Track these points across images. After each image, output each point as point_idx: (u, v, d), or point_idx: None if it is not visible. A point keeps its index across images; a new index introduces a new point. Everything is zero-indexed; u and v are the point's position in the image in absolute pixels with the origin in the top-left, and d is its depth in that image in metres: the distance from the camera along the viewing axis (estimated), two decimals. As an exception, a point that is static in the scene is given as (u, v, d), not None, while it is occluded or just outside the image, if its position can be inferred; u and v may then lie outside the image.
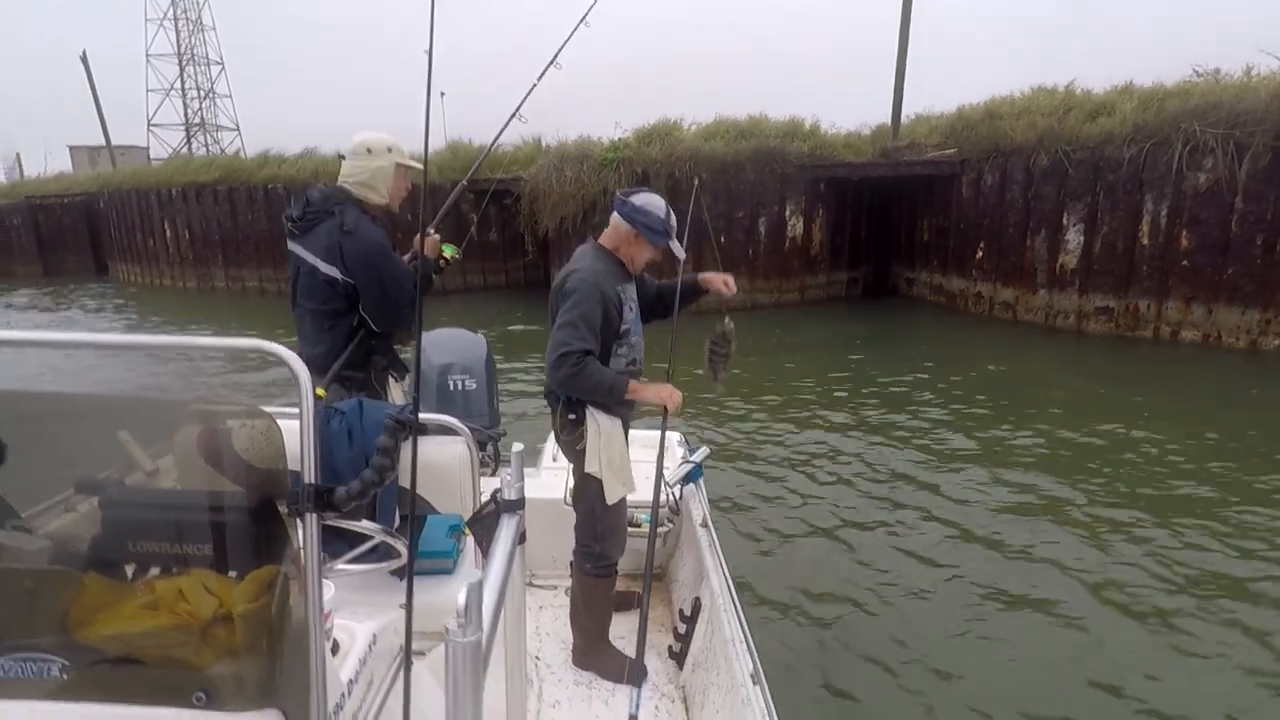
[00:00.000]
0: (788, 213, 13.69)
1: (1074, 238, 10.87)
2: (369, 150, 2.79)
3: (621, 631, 2.93)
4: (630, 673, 2.47)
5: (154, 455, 1.61)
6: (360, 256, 2.72)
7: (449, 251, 3.13)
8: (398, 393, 2.98)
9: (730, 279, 2.84)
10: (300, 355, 1.18)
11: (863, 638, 3.85)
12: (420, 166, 2.32)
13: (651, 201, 2.58)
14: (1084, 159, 10.67)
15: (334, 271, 2.73)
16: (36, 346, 1.30)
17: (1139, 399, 7.79)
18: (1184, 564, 4.45)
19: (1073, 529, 4.94)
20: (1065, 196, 10.94)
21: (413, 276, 2.82)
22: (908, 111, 14.86)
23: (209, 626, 1.14)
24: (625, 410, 2.67)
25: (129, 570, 1.23)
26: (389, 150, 2.82)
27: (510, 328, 12.49)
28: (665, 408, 2.60)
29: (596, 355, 2.47)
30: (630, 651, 2.57)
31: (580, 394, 2.52)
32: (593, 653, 2.79)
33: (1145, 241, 10.01)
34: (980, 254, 12.46)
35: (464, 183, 3.82)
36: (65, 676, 1.12)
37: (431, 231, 3.09)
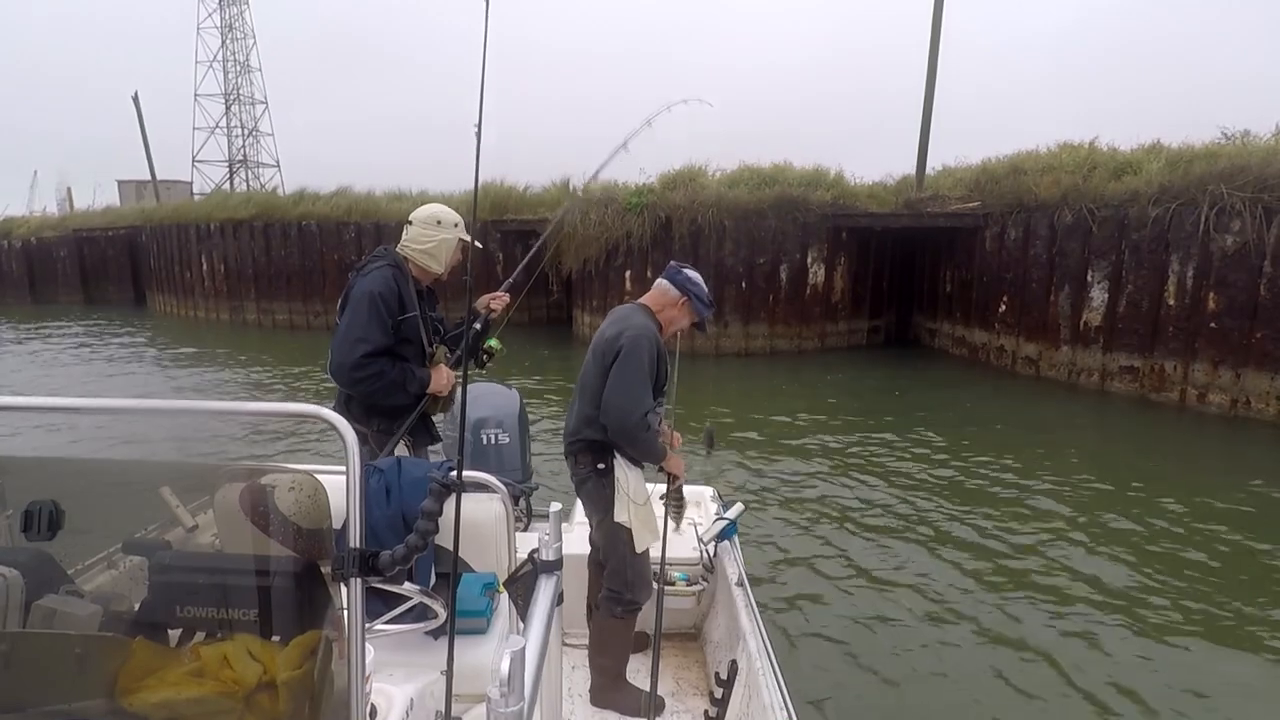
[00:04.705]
0: (809, 260, 13.77)
1: (1098, 295, 10.78)
2: (439, 222, 2.95)
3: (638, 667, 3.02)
4: (646, 706, 2.59)
5: (194, 511, 1.62)
6: (352, 295, 2.78)
7: (494, 344, 3.15)
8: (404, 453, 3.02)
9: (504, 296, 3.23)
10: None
11: (911, 703, 3.72)
12: (477, 245, 2.62)
13: (699, 277, 2.89)
14: (1108, 217, 10.63)
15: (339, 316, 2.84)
16: (86, 413, 1.30)
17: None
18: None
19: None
20: (1090, 254, 10.88)
21: (369, 340, 2.71)
22: (933, 164, 14.98)
23: (253, 694, 1.14)
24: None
25: (173, 634, 1.22)
26: (455, 225, 2.98)
27: (539, 365, 12.54)
28: (674, 476, 2.91)
29: None
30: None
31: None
32: (612, 690, 2.90)
33: (1171, 302, 9.88)
34: (1003, 307, 12.39)
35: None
36: None
37: (501, 294, 3.22)
